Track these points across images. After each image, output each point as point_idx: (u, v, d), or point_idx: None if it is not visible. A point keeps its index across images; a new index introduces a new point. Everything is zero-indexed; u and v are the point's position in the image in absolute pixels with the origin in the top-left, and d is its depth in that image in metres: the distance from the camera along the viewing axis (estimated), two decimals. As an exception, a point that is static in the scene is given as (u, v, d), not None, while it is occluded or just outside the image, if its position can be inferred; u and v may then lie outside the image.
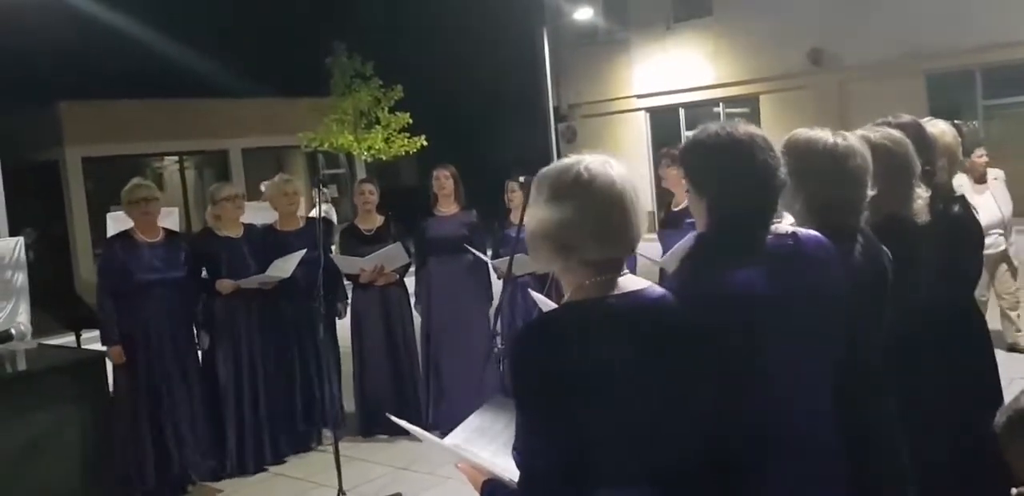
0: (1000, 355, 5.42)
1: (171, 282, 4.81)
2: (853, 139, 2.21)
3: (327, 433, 5.18)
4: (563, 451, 1.59)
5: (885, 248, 2.21)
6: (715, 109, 17.70)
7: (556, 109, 19.38)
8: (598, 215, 1.63)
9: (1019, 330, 6.40)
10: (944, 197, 2.59)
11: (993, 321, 5.80)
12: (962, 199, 2.70)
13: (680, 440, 1.66)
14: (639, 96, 18.62)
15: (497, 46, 19.75)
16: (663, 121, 18.11)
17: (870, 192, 2.18)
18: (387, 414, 2.59)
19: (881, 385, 2.17)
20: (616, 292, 1.66)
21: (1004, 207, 6.23)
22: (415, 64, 18.62)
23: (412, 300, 5.77)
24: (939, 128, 2.86)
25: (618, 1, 18.65)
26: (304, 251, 5.09)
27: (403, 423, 2.05)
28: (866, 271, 2.15)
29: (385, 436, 5.39)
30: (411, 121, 16.41)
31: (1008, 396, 2.45)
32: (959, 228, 2.59)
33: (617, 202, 1.64)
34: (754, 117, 16.87)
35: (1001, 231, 6.20)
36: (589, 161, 1.69)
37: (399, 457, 5.07)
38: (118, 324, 4.69)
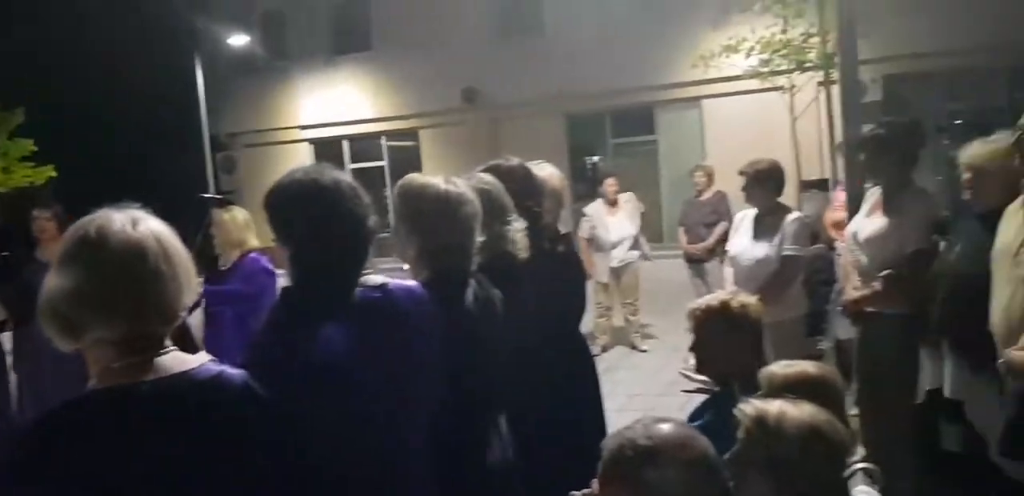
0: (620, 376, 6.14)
1: None
2: (464, 186, 2.21)
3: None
4: None
5: (497, 290, 2.24)
6: (379, 142, 17.84)
7: (214, 138, 18.38)
8: (107, 284, 1.36)
9: (636, 331, 7.46)
10: (551, 236, 2.69)
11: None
12: (566, 237, 2.84)
13: None
14: (303, 127, 18.25)
15: (145, 70, 18.24)
16: (328, 153, 17.81)
17: (480, 238, 2.19)
18: None
19: (493, 417, 2.24)
20: (152, 376, 1.39)
21: (632, 225, 7.34)
22: (44, 86, 16.64)
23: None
24: (547, 171, 2.96)
25: (276, 30, 18.21)
26: None
27: None
28: (478, 314, 2.17)
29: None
30: (36, 149, 14.61)
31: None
32: (562, 265, 2.72)
33: (131, 267, 1.38)
34: (416, 151, 17.23)
35: (632, 244, 7.27)
36: (106, 219, 1.41)
37: None
38: None
